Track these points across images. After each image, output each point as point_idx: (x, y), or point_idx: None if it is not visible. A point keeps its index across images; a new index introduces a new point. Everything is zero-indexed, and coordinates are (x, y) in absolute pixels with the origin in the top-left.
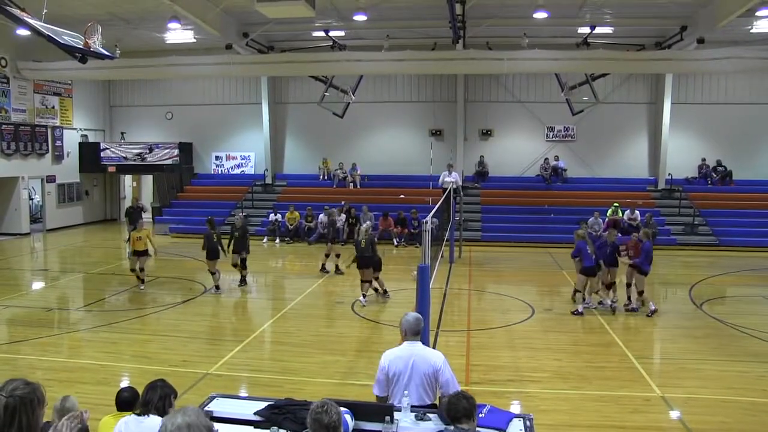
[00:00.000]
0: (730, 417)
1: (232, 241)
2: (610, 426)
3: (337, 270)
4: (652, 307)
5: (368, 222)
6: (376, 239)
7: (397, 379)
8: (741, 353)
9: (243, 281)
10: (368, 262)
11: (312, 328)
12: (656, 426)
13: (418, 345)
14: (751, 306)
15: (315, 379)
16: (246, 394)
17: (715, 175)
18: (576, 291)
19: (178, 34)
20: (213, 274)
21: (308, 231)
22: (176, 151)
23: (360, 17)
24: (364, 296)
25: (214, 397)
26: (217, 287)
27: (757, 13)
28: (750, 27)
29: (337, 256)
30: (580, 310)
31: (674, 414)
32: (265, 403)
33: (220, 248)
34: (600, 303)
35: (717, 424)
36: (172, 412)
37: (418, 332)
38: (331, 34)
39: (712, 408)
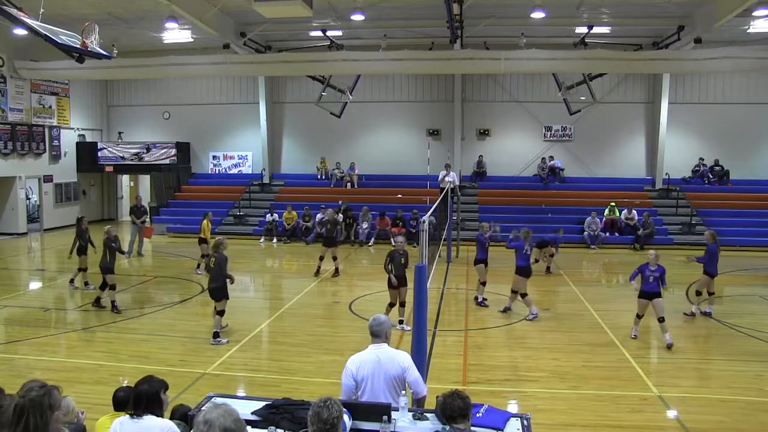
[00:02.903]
0: (727, 416)
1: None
2: (607, 425)
3: (336, 272)
4: (708, 310)
5: (401, 237)
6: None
7: (366, 383)
8: (738, 352)
9: (97, 302)
10: (402, 282)
11: (309, 328)
12: (654, 425)
13: (384, 347)
14: (748, 305)
15: (312, 379)
16: (243, 394)
17: (711, 176)
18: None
19: (175, 34)
20: (81, 270)
21: (305, 231)
22: (174, 151)
23: (357, 17)
24: (401, 321)
25: (211, 397)
26: (72, 281)
27: (755, 13)
28: (747, 27)
29: (334, 258)
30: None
31: (671, 413)
32: (263, 403)
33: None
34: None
35: (714, 424)
36: (211, 408)
37: (379, 333)
38: (329, 33)
39: (709, 407)
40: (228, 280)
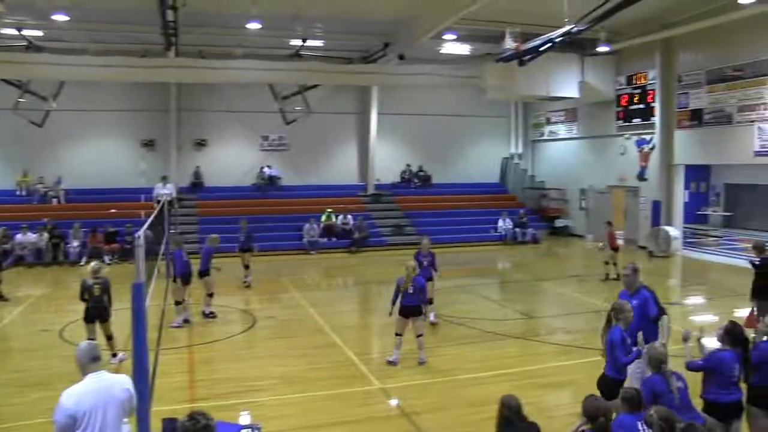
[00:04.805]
0: (435, 396)
1: None
2: (338, 423)
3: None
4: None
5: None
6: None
7: (90, 417)
8: (451, 338)
9: None
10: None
11: (14, 364)
12: (376, 416)
13: (104, 373)
14: (458, 296)
15: (26, 422)
16: None
17: (417, 181)
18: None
19: None
20: None
21: (3, 254)
22: None
23: (60, 17)
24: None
25: None
26: None
27: (444, 37)
28: (440, 48)
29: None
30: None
31: (394, 401)
32: None
33: None
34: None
35: (429, 405)
36: None
37: (97, 358)
38: (26, 33)
39: (422, 392)
40: None
